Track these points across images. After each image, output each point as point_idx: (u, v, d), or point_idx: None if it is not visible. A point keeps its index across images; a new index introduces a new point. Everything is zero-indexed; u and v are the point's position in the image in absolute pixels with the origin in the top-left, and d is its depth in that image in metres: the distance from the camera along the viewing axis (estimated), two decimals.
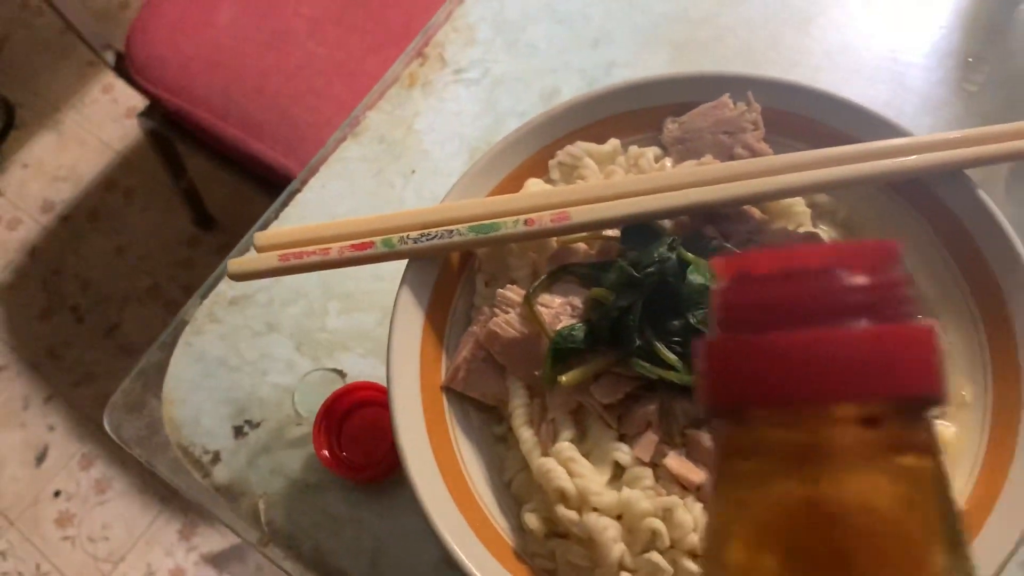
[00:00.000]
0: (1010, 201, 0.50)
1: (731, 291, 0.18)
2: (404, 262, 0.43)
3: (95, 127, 1.75)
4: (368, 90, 0.60)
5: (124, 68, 1.14)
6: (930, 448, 0.17)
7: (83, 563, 1.39)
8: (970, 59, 0.58)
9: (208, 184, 1.48)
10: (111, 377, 1.41)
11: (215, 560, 1.37)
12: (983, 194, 0.42)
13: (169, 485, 0.51)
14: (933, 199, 0.43)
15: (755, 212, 0.44)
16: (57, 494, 1.44)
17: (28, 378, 1.54)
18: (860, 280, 0.17)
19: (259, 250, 0.43)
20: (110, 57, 1.18)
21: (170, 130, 1.17)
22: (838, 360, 0.16)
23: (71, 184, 1.70)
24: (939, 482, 0.17)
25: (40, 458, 1.48)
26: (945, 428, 0.41)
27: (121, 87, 1.18)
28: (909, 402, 0.17)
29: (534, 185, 0.46)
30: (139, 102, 1.16)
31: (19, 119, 1.76)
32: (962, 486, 0.39)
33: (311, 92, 1.07)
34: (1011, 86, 0.57)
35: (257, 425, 0.51)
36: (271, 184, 1.05)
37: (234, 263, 0.43)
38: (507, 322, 0.42)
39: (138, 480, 1.43)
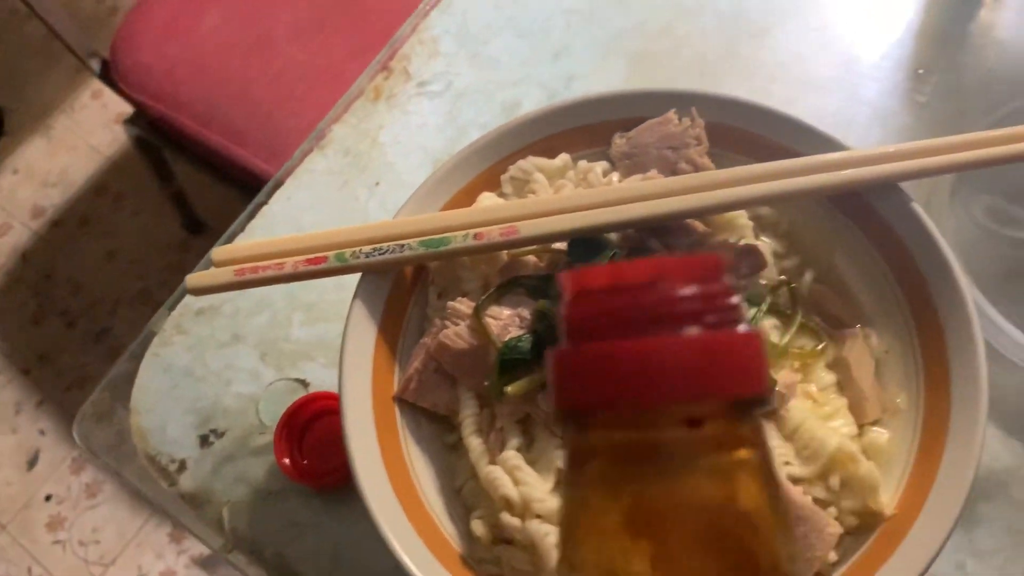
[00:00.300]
0: (952, 212, 0.52)
1: (573, 304, 0.19)
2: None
3: (85, 132, 1.76)
4: (345, 93, 0.62)
5: (109, 75, 1.15)
6: (756, 442, 0.19)
7: (74, 566, 1.40)
8: (920, 70, 0.60)
9: (197, 188, 1.49)
10: (102, 380, 1.42)
11: (205, 563, 1.38)
12: (917, 206, 0.43)
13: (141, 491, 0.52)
14: (869, 211, 0.45)
15: (698, 225, 0.45)
16: (48, 498, 1.45)
17: (20, 383, 1.55)
18: (686, 291, 0.18)
19: (216, 265, 0.44)
20: (95, 64, 1.19)
21: (156, 137, 1.18)
22: (665, 364, 0.18)
23: (61, 189, 1.71)
24: (765, 474, 0.18)
25: (31, 462, 1.49)
26: (878, 434, 0.42)
27: (111, 92, 1.20)
28: (735, 401, 0.18)
29: (486, 199, 0.47)
30: (128, 107, 1.17)
31: (9, 125, 1.77)
32: (893, 490, 0.40)
33: (293, 98, 1.08)
34: (960, 97, 0.58)
35: (222, 434, 0.52)
36: (254, 189, 1.05)
37: (192, 278, 0.44)
38: (457, 334, 0.43)
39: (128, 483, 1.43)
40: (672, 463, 0.18)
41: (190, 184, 1.46)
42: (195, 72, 1.10)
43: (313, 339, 0.54)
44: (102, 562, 1.39)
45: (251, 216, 0.58)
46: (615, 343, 0.18)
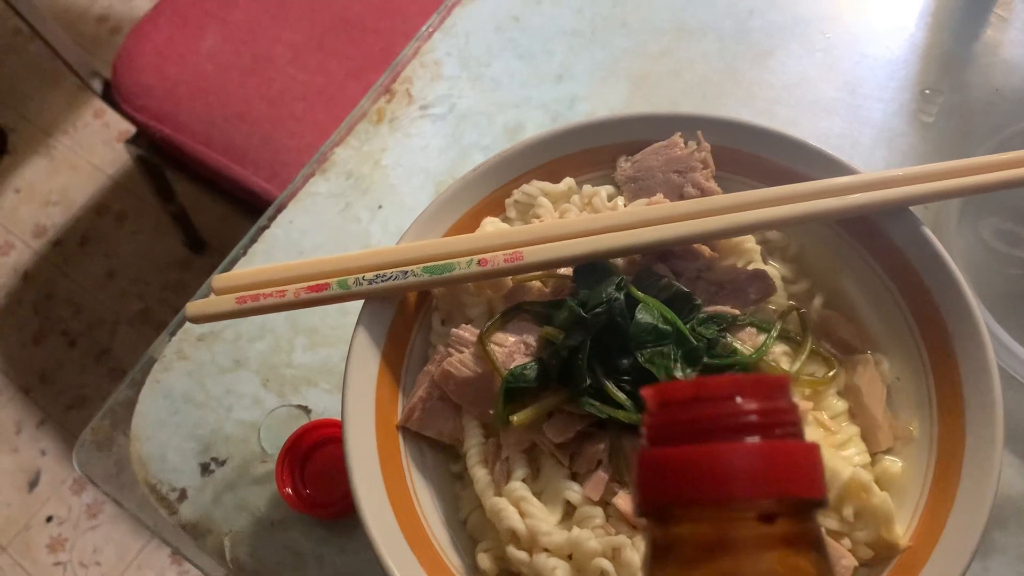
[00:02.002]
0: (960, 234, 0.51)
1: (655, 413, 0.22)
2: None
3: (86, 152, 1.76)
4: (348, 115, 0.61)
5: (111, 95, 1.15)
6: (816, 542, 0.21)
7: None
8: (926, 91, 0.59)
9: (199, 207, 1.49)
10: (103, 401, 1.41)
11: None
12: (927, 230, 0.42)
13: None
14: (880, 235, 0.44)
15: (705, 250, 0.45)
16: (49, 519, 1.44)
17: (20, 403, 1.54)
18: (759, 404, 0.21)
19: (217, 293, 0.44)
20: (97, 84, 1.19)
21: (157, 156, 1.17)
22: (735, 467, 0.20)
23: (62, 208, 1.71)
24: (824, 571, 0.21)
25: (32, 483, 1.48)
26: (892, 463, 0.41)
27: (113, 112, 1.20)
28: (795, 503, 0.21)
29: (490, 224, 0.47)
30: (130, 127, 1.17)
31: (11, 144, 1.77)
32: (908, 520, 0.39)
33: (292, 118, 1.08)
34: (965, 116, 0.58)
35: (223, 462, 0.52)
36: (255, 208, 1.05)
37: (192, 306, 0.44)
38: (461, 361, 0.43)
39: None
40: (738, 556, 0.20)
41: (191, 203, 1.46)
42: (195, 92, 1.09)
43: (316, 364, 0.54)
44: None
45: (253, 240, 0.58)
46: (696, 447, 0.21)
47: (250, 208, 1.08)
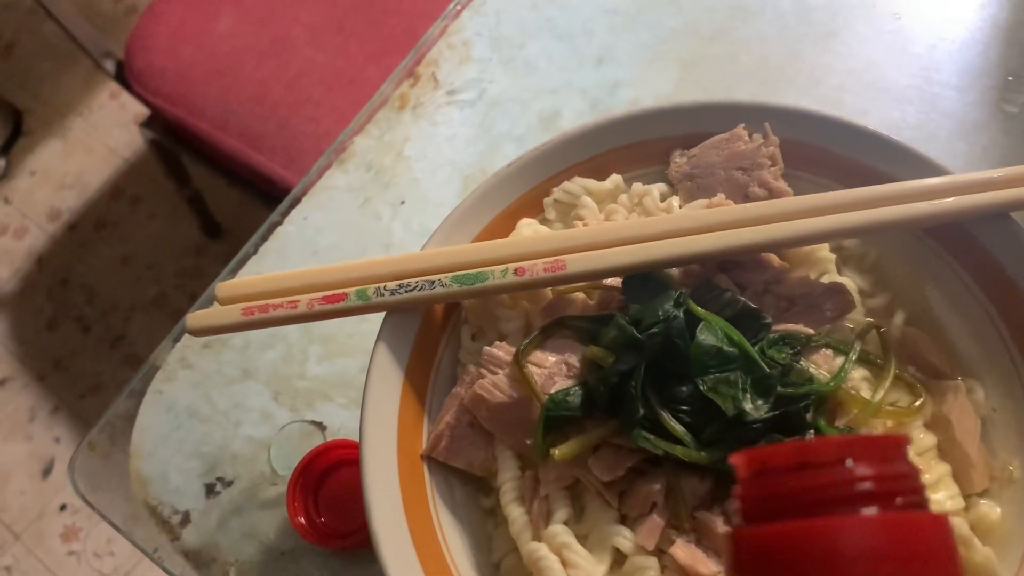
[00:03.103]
0: None
1: (751, 484, 0.20)
2: None
3: (102, 134, 1.73)
4: (368, 100, 0.56)
5: (124, 77, 1.11)
6: None
7: None
8: (1010, 78, 0.53)
9: (214, 191, 1.45)
10: (117, 388, 1.39)
11: None
12: None
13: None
14: (974, 245, 0.39)
15: (774, 259, 0.39)
16: (63, 508, 1.42)
17: (34, 389, 1.52)
18: (870, 471, 0.18)
19: (221, 302, 0.39)
20: (110, 66, 1.16)
21: (172, 140, 1.14)
22: (854, 545, 0.18)
23: (77, 192, 1.69)
24: None
25: (46, 471, 1.46)
26: (989, 508, 0.36)
27: (128, 93, 1.17)
28: None
29: (527, 227, 0.42)
30: (146, 109, 1.14)
31: (26, 125, 1.74)
32: (1011, 574, 0.34)
33: (310, 102, 1.04)
34: None
35: (230, 483, 0.47)
36: (271, 194, 1.02)
37: (193, 317, 0.39)
38: (494, 384, 0.38)
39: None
40: None
41: (207, 187, 1.43)
42: (210, 75, 1.05)
43: (331, 376, 0.49)
44: (116, 574, 1.36)
45: (264, 237, 0.53)
46: (804, 522, 0.18)
47: (267, 194, 1.04)
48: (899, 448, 0.19)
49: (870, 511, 0.18)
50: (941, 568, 0.18)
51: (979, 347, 0.39)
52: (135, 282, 1.59)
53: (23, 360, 1.54)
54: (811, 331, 0.37)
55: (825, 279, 0.39)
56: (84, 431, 1.47)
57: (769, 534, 0.19)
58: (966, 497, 0.36)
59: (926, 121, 0.52)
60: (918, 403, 0.37)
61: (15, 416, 1.49)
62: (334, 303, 0.39)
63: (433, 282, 0.38)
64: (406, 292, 0.38)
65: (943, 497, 0.35)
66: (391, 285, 0.38)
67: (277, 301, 0.39)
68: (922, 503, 0.19)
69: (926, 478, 0.36)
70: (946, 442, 0.37)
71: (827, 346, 0.37)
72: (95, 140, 1.72)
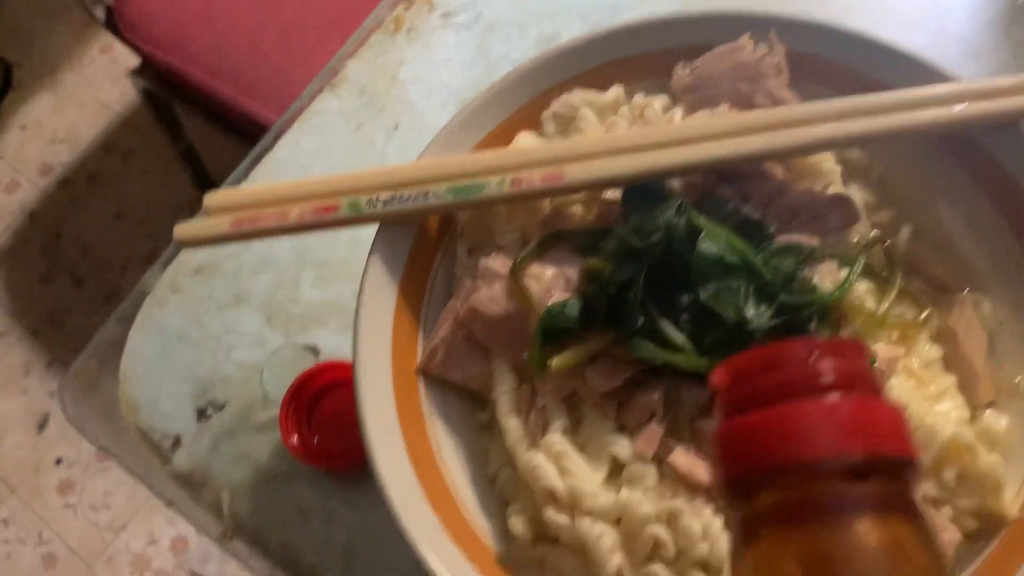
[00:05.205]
0: None
1: (730, 388, 0.22)
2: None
3: (93, 88, 1.71)
4: (361, 24, 0.55)
5: (115, 24, 1.09)
6: (913, 509, 0.20)
7: (85, 531, 1.37)
8: (1019, 1, 0.52)
9: (208, 144, 1.43)
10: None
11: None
12: None
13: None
14: (984, 156, 0.38)
15: (777, 170, 0.38)
16: (59, 462, 1.42)
17: (29, 344, 1.51)
18: (833, 364, 0.20)
19: (211, 212, 0.38)
20: (100, 12, 1.13)
21: (164, 89, 1.12)
22: (819, 424, 0.20)
23: (69, 146, 1.67)
24: (925, 538, 0.20)
25: (41, 425, 1.45)
26: (995, 419, 0.35)
27: (120, 47, 1.14)
28: (885, 463, 0.20)
29: (525, 139, 0.41)
30: (136, 59, 1.12)
31: (16, 79, 1.71)
32: (1017, 487, 0.34)
33: (305, 48, 1.02)
34: None
35: (221, 407, 0.46)
36: None
37: (181, 228, 0.38)
38: (491, 297, 0.37)
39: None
40: (838, 527, 0.19)
41: (201, 140, 1.41)
42: (202, 21, 1.04)
43: (325, 301, 0.48)
44: (113, 527, 1.36)
45: (254, 163, 0.52)
46: (776, 408, 0.20)
47: None
48: (858, 349, 0.21)
49: (833, 396, 0.20)
50: (897, 442, 0.20)
51: (987, 260, 0.38)
52: (129, 237, 1.57)
53: (17, 315, 1.53)
54: (815, 242, 0.36)
55: (830, 191, 0.38)
56: None
57: (747, 422, 0.20)
58: (972, 410, 0.36)
59: (934, 43, 0.51)
60: (923, 316, 0.37)
61: (9, 370, 1.49)
62: (326, 214, 0.37)
63: (427, 193, 0.37)
64: (400, 203, 0.37)
65: (949, 407, 0.35)
66: (384, 196, 0.37)
67: (267, 212, 0.38)
68: (880, 394, 0.21)
69: (931, 389, 0.35)
70: (952, 355, 0.36)
71: (831, 257, 0.36)
72: (86, 94, 1.70)
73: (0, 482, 1.42)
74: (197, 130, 1.34)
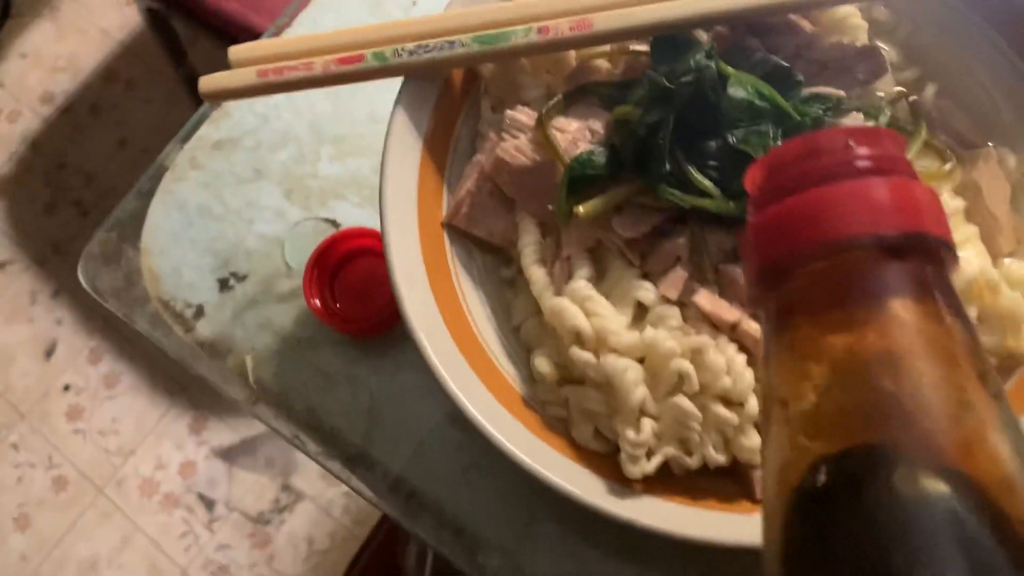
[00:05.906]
0: None
1: (765, 181, 0.21)
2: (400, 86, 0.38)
3: (94, 16, 1.68)
4: None
5: None
6: (949, 292, 0.20)
7: (94, 456, 1.38)
8: None
9: (213, 69, 1.42)
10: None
11: (225, 453, 1.36)
12: None
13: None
14: (1012, 11, 0.37)
15: (806, 24, 0.38)
16: (67, 388, 1.43)
17: (35, 272, 1.51)
18: (871, 150, 0.20)
19: (235, 65, 0.38)
20: None
21: (167, 7, 1.10)
22: (858, 201, 0.19)
23: (70, 75, 1.64)
24: (967, 327, 0.20)
25: (49, 352, 1.46)
26: (1018, 266, 0.35)
27: None
28: (921, 242, 0.19)
29: None
30: None
31: (15, 7, 1.68)
32: None
33: None
34: None
35: (243, 278, 0.47)
36: None
37: (207, 80, 0.38)
38: (517, 148, 0.37)
39: (147, 374, 1.41)
40: (874, 307, 0.19)
41: (205, 66, 1.39)
42: None
43: (344, 176, 0.48)
44: (121, 452, 1.37)
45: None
46: (816, 190, 0.20)
47: None
48: (896, 138, 0.21)
49: (871, 178, 0.20)
50: (933, 221, 0.20)
51: (1014, 113, 0.38)
52: (132, 166, 1.56)
53: (22, 244, 1.53)
54: (842, 93, 0.36)
55: (858, 44, 0.38)
56: (86, 314, 1.46)
57: (781, 207, 0.20)
58: (994, 259, 0.36)
59: None
60: (948, 167, 0.37)
61: (16, 299, 1.49)
62: (351, 64, 0.37)
63: (453, 43, 0.37)
64: (425, 53, 0.37)
65: (971, 255, 0.35)
66: (410, 46, 0.37)
67: (292, 63, 0.37)
68: (916, 179, 0.21)
69: (954, 237, 0.35)
70: (975, 206, 0.36)
71: (858, 109, 0.36)
72: (87, 22, 1.67)
73: (10, 408, 1.43)
74: (200, 54, 1.33)
